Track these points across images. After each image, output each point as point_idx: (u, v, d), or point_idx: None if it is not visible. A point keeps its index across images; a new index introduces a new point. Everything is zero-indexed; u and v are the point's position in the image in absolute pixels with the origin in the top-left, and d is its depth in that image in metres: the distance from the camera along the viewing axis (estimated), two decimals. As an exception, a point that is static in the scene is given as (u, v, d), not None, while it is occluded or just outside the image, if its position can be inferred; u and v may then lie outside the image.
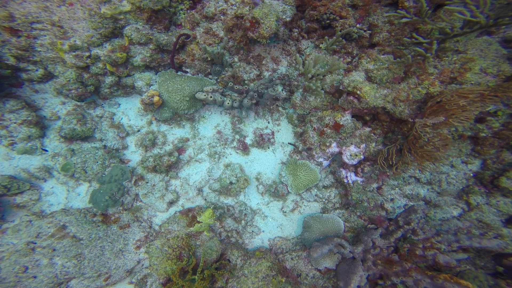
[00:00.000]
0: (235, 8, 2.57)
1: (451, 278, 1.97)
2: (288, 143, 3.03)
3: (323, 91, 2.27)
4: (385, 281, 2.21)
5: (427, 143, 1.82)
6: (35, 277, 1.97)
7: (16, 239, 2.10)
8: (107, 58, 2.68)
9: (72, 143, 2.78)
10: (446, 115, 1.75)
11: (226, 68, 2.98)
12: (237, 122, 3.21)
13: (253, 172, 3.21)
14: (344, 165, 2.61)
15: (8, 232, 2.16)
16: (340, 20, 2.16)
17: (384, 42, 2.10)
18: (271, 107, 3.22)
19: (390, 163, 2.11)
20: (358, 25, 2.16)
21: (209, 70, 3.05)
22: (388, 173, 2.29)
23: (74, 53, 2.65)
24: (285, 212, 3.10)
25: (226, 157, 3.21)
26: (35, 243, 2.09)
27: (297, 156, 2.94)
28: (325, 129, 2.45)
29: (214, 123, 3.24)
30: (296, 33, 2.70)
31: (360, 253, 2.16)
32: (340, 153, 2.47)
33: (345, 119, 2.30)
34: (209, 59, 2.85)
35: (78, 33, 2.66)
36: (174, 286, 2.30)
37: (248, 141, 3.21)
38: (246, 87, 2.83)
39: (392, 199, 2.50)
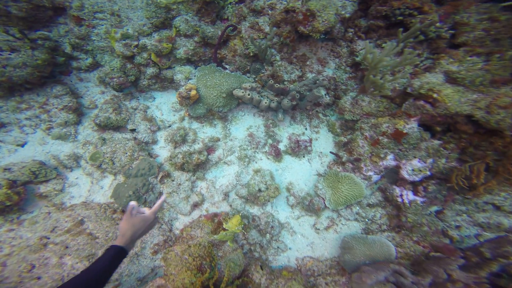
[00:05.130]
0: (286, 2, 2.26)
1: None
2: (330, 152, 2.56)
3: (389, 91, 1.83)
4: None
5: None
6: (39, 278, 1.60)
7: (31, 232, 1.80)
8: (153, 47, 2.49)
9: (105, 132, 2.53)
10: None
11: (266, 67, 2.65)
12: (271, 125, 2.81)
13: (283, 181, 2.75)
14: (398, 181, 2.08)
15: (24, 224, 1.86)
16: (418, 16, 1.74)
17: (475, 42, 1.63)
18: (310, 113, 2.80)
19: (476, 182, 1.57)
20: (438, 24, 1.73)
21: (248, 68, 2.73)
22: (467, 196, 1.74)
23: (124, 42, 2.49)
24: (318, 229, 2.57)
25: (256, 162, 2.79)
26: (49, 238, 1.76)
27: (339, 167, 2.46)
28: (380, 137, 1.97)
29: (246, 124, 2.87)
30: (351, 33, 2.31)
31: (427, 287, 1.57)
32: (398, 167, 1.96)
33: (410, 127, 1.81)
34: (251, 54, 2.53)
35: (132, 22, 2.53)
36: (192, 306, 1.84)
37: (281, 146, 2.78)
38: (287, 87, 2.46)
39: (458, 226, 1.91)
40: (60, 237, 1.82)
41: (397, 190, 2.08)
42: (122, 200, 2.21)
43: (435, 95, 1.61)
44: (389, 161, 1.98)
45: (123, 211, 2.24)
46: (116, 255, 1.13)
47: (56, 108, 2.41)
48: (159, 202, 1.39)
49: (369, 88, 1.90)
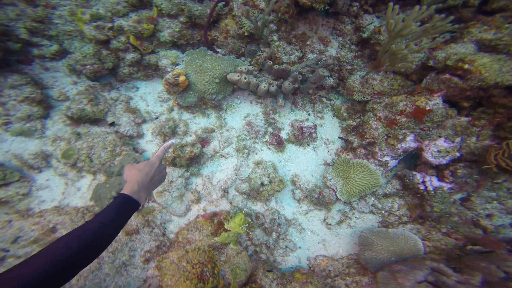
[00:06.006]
0: (284, -30, 1.97)
1: None
2: (338, 137, 2.30)
3: (412, 63, 1.58)
4: None
5: None
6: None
7: (-16, 244, 1.44)
8: (131, 28, 2.13)
9: (80, 126, 2.16)
10: None
11: (262, 48, 2.35)
12: (271, 112, 2.52)
13: (288, 173, 2.47)
14: (418, 166, 1.85)
15: (-23, 235, 1.50)
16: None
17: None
18: (313, 97, 2.53)
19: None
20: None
21: (242, 50, 2.42)
22: (496, 180, 1.52)
23: (95, 24, 2.11)
24: (330, 224, 2.31)
25: (256, 153, 2.49)
26: (8, 251, 1.40)
27: (349, 154, 2.20)
28: (398, 117, 1.72)
29: (243, 113, 2.57)
30: (356, 8, 2.06)
31: (477, 287, 1.33)
32: (420, 149, 1.72)
33: (434, 103, 1.57)
34: (246, 34, 2.23)
35: (103, 1, 2.16)
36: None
37: (283, 135, 2.50)
38: (288, 67, 2.17)
39: (489, 215, 1.70)
40: (23, 248, 1.46)
41: (418, 177, 1.84)
42: (103, 203, 1.86)
43: (466, 66, 1.38)
44: (409, 142, 1.74)
45: (105, 217, 1.88)
46: (123, 204, 0.93)
47: (14, 100, 2.01)
48: (164, 145, 1.12)
49: (384, 62, 1.64)
